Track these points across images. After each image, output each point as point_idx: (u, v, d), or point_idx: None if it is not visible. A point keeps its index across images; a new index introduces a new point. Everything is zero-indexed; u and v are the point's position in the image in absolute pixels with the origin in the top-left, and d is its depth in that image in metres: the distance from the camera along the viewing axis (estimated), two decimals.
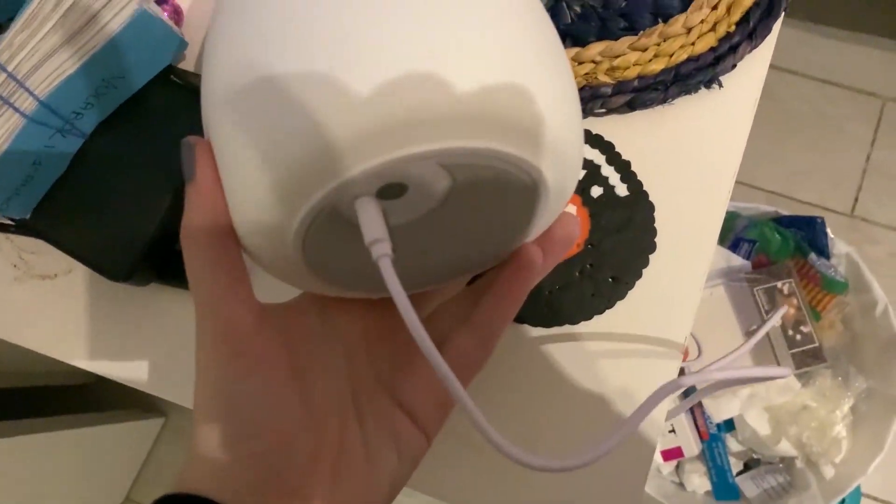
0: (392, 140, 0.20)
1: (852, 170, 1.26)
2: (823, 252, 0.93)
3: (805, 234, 0.94)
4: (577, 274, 0.42)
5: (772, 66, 1.28)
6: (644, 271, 0.42)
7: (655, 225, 0.42)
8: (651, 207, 0.42)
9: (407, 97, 0.20)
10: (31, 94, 0.38)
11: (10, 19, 0.38)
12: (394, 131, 0.20)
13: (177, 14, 0.43)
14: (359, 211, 0.22)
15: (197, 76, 0.44)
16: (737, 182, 1.24)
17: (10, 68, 0.38)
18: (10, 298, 0.46)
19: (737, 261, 0.93)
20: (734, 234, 0.97)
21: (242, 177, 0.22)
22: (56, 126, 0.40)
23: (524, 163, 0.22)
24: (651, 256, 0.42)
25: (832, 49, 1.31)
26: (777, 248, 0.94)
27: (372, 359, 0.29)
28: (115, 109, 0.42)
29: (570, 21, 0.43)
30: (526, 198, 0.24)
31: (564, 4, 0.43)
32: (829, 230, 0.94)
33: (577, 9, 0.43)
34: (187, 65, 0.44)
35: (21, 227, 0.44)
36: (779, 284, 0.90)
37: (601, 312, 0.41)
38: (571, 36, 0.43)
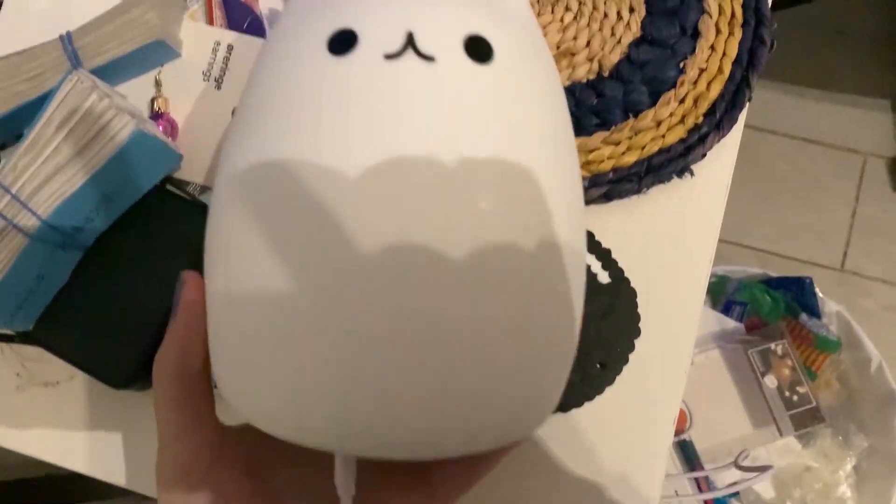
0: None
1: (839, 225, 1.29)
2: (814, 311, 0.95)
3: (794, 294, 0.96)
4: None
5: (753, 127, 1.32)
6: (630, 356, 0.43)
7: (639, 310, 0.44)
8: (633, 293, 0.44)
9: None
10: (34, 214, 0.40)
11: (19, 136, 0.40)
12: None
13: (172, 128, 0.45)
14: (337, 465, 0.24)
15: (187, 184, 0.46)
16: (727, 242, 1.26)
17: (13, 190, 0.40)
18: (13, 406, 0.47)
19: (730, 324, 0.95)
20: (725, 297, 0.99)
21: (245, 365, 0.23)
22: (58, 242, 0.42)
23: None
24: (636, 341, 0.43)
25: (809, 108, 1.34)
26: (768, 309, 0.95)
27: None
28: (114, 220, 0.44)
29: None
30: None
31: None
32: (818, 289, 0.96)
33: None
34: (182, 174, 0.46)
35: (23, 337, 0.45)
36: (772, 346, 0.91)
37: (591, 399, 0.43)
38: None
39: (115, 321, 0.43)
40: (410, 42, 0.24)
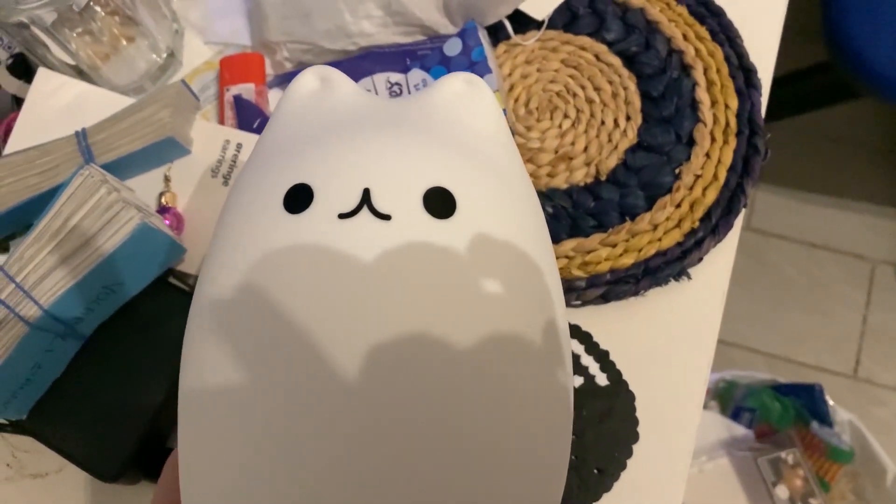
0: None
1: (850, 332, 1.27)
2: (825, 420, 0.93)
3: (804, 401, 0.94)
4: None
5: (760, 232, 1.33)
6: (628, 461, 0.42)
7: (637, 414, 0.43)
8: (631, 397, 0.43)
9: None
10: (36, 303, 0.40)
11: (28, 226, 0.41)
12: None
13: (178, 222, 0.46)
14: None
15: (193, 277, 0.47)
16: (735, 345, 1.25)
17: (18, 279, 0.40)
18: (2, 498, 0.46)
19: (739, 430, 0.93)
20: (734, 402, 0.97)
21: None
22: (57, 331, 0.42)
23: None
24: (634, 446, 0.42)
25: (815, 214, 1.36)
26: (778, 416, 0.93)
27: None
28: (114, 311, 0.44)
29: None
30: None
31: None
32: (828, 397, 0.94)
33: (549, 209, 0.46)
34: (186, 267, 0.47)
35: (16, 427, 0.45)
36: (783, 455, 0.88)
37: None
38: None
39: (109, 413, 0.43)
40: (366, 199, 0.23)
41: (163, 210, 0.46)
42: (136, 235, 0.41)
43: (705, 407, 0.96)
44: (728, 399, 0.98)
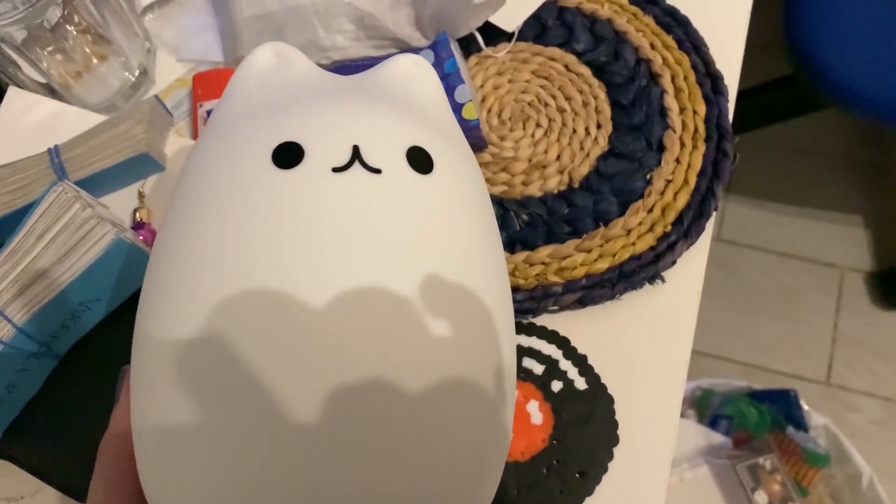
0: None
1: (822, 339, 1.29)
2: (800, 425, 0.94)
3: (780, 407, 0.95)
4: (543, 471, 0.42)
5: (731, 242, 1.35)
6: (609, 464, 0.42)
7: (616, 417, 0.43)
8: (610, 400, 0.44)
9: None
10: (9, 321, 0.40)
11: (1, 244, 0.41)
12: None
13: (153, 237, 0.46)
14: None
15: None
16: (710, 355, 1.26)
17: None
18: None
19: (717, 438, 0.93)
20: (711, 411, 0.98)
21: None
22: (32, 350, 0.41)
23: None
24: (615, 449, 0.43)
25: (786, 224, 1.38)
26: (755, 422, 0.94)
27: None
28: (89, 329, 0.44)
29: (518, 228, 0.46)
30: None
31: (513, 214, 0.47)
32: (803, 402, 0.95)
33: (525, 217, 0.47)
34: None
35: None
36: (761, 461, 0.89)
37: None
38: (521, 241, 0.46)
39: (86, 433, 0.42)
40: (357, 155, 0.25)
41: (138, 226, 0.46)
42: (111, 251, 0.41)
43: (683, 416, 0.97)
44: (705, 407, 0.99)
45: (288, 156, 0.24)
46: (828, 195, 1.39)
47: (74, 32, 0.49)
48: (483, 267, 0.26)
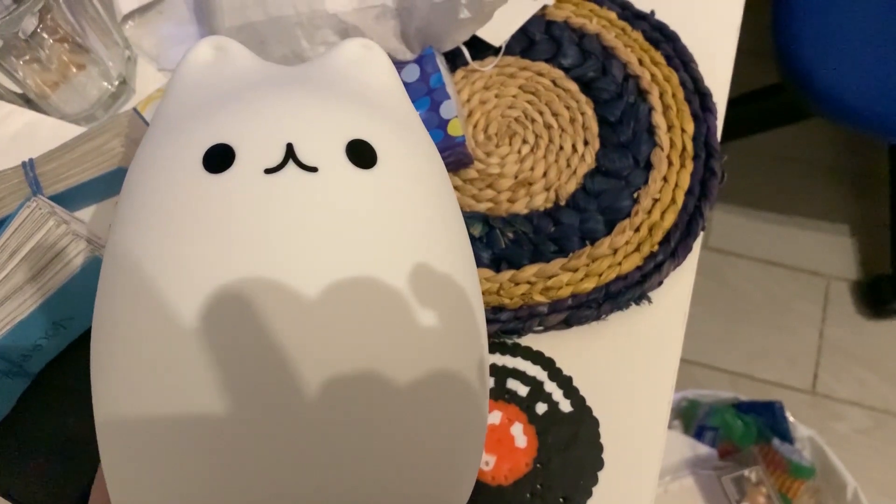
0: None
1: (807, 347, 1.29)
2: (786, 436, 0.94)
3: (765, 419, 0.95)
4: (528, 496, 0.42)
5: (718, 251, 1.35)
6: (594, 490, 0.42)
7: (601, 440, 0.43)
8: (595, 423, 0.43)
9: None
10: None
11: None
12: None
13: None
14: None
15: None
16: (697, 364, 1.26)
17: None
18: None
19: (702, 449, 0.93)
20: (697, 421, 0.98)
21: None
22: (4, 369, 0.40)
23: None
24: (599, 473, 0.42)
25: (772, 232, 1.38)
26: (740, 434, 0.94)
27: None
28: (64, 348, 0.43)
29: (504, 246, 0.46)
30: None
31: (498, 231, 0.46)
32: (788, 414, 0.95)
33: (511, 235, 0.46)
34: None
35: None
36: (746, 472, 0.89)
37: None
38: (506, 260, 0.45)
39: (60, 453, 0.41)
40: (290, 153, 0.23)
41: None
42: (86, 269, 0.40)
43: (669, 427, 0.97)
44: (691, 418, 0.99)
45: (218, 159, 0.23)
46: (814, 204, 1.39)
47: (51, 41, 0.48)
48: (440, 261, 0.25)
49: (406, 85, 0.46)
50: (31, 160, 0.43)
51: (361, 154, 0.24)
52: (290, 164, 0.23)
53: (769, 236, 1.37)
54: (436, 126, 0.46)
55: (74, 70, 0.50)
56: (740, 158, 1.43)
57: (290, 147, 0.23)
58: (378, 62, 0.30)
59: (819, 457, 0.96)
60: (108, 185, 0.45)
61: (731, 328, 1.30)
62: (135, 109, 0.45)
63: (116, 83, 0.51)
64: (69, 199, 0.44)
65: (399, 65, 0.48)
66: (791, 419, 0.95)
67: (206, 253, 0.22)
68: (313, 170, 0.23)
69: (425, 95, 0.47)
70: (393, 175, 0.25)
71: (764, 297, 1.33)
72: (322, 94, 0.27)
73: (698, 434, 0.96)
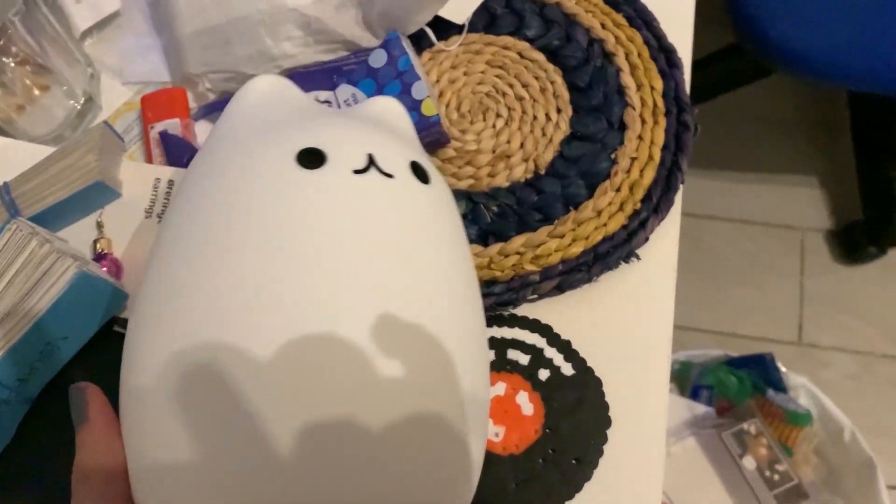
0: None
1: (789, 300, 1.31)
2: (779, 387, 0.95)
3: (758, 372, 0.96)
4: (540, 461, 0.42)
5: (692, 215, 1.37)
6: (604, 447, 0.42)
7: (606, 399, 0.43)
8: (599, 383, 0.44)
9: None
10: None
11: None
12: None
13: (117, 268, 0.45)
14: None
15: None
16: (684, 328, 1.28)
17: None
18: None
19: (700, 409, 0.94)
20: (691, 382, 0.99)
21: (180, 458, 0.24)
22: (1, 397, 0.40)
23: None
24: (608, 431, 0.43)
25: (744, 191, 1.40)
26: (735, 389, 0.95)
27: None
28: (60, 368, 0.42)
29: (489, 221, 0.46)
30: None
31: (482, 207, 0.46)
32: (780, 364, 0.97)
33: (495, 209, 0.46)
34: (130, 313, 0.45)
35: None
36: (745, 426, 0.90)
37: (571, 498, 0.41)
38: (493, 234, 0.46)
39: (65, 479, 0.41)
40: (372, 161, 0.28)
41: (99, 257, 0.45)
42: (74, 286, 0.40)
43: None
44: (685, 380, 1.00)
45: (312, 159, 0.27)
46: (781, 159, 1.41)
47: (12, 64, 0.47)
48: (467, 279, 0.30)
49: (375, 70, 0.47)
50: (5, 183, 0.43)
51: (421, 172, 0.30)
52: (373, 168, 0.28)
53: (741, 196, 1.39)
54: (409, 108, 0.46)
55: (38, 92, 0.49)
56: (705, 121, 1.44)
57: (370, 156, 0.28)
58: (403, 112, 0.36)
59: (814, 403, 0.97)
60: (86, 200, 0.44)
61: (712, 290, 1.32)
62: (106, 122, 0.45)
63: (82, 100, 0.50)
64: (49, 219, 0.43)
65: (365, 52, 0.48)
66: (783, 369, 0.97)
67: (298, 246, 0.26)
68: (390, 176, 0.28)
69: (395, 79, 0.47)
70: (442, 192, 0.31)
71: (742, 255, 1.35)
72: (377, 125, 0.32)
73: (694, 394, 0.97)
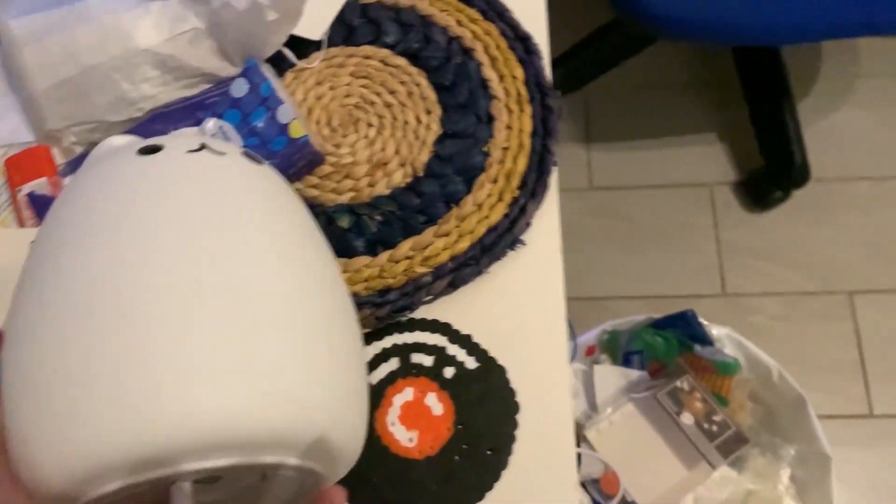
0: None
1: (708, 255, 1.35)
2: (705, 340, 0.98)
3: (683, 329, 0.99)
4: (456, 458, 0.42)
5: (606, 189, 1.40)
6: (517, 434, 0.43)
7: (512, 385, 0.44)
8: (503, 370, 0.44)
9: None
10: None
11: None
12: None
13: None
14: (173, 495, 0.24)
15: None
16: (615, 297, 1.31)
17: None
18: None
19: (634, 374, 0.96)
20: (621, 350, 1.01)
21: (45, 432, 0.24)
22: None
23: (301, 469, 0.26)
24: (517, 417, 0.43)
25: (649, 157, 1.43)
26: (663, 350, 0.98)
27: None
28: None
29: (375, 230, 0.46)
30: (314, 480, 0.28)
31: (366, 217, 0.47)
32: (701, 318, 0.99)
33: (379, 217, 0.47)
34: None
35: None
36: (678, 384, 0.93)
37: (491, 488, 0.42)
38: (381, 242, 0.46)
39: None
40: (204, 146, 0.31)
41: None
42: None
43: (597, 362, 1.00)
44: (616, 348, 1.02)
45: (150, 150, 0.30)
46: (680, 121, 1.45)
47: None
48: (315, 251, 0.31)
49: (238, 100, 0.46)
50: None
51: (252, 157, 0.32)
52: (206, 150, 0.30)
53: (648, 163, 1.43)
54: (277, 133, 0.46)
55: None
56: (601, 97, 1.49)
57: (203, 144, 0.30)
58: None
59: (740, 350, 1.01)
60: None
61: (634, 257, 1.35)
62: None
63: None
64: None
65: (225, 82, 0.48)
66: (705, 323, 0.99)
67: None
68: (222, 153, 0.31)
69: (260, 106, 0.47)
70: (275, 174, 0.33)
71: (657, 219, 1.38)
72: None
73: (626, 361, 0.99)
